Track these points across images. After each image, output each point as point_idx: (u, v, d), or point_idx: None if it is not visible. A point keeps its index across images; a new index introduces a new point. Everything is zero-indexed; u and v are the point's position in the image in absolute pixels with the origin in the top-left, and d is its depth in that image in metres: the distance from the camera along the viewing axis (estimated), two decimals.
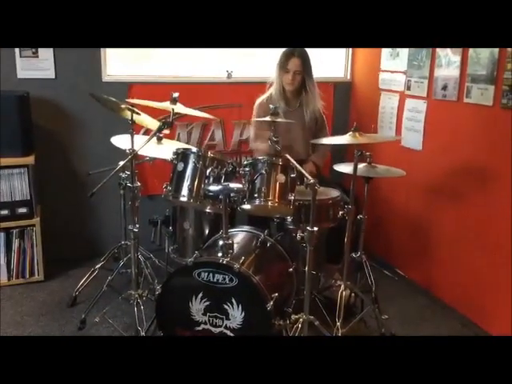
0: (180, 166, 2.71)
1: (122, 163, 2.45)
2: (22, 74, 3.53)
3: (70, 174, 3.80)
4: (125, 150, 2.62)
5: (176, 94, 2.59)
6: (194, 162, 2.68)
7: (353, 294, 3.13)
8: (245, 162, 2.70)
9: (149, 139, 2.51)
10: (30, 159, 3.36)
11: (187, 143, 3.90)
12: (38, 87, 3.56)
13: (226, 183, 2.55)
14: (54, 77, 3.61)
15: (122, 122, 3.70)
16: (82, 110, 3.71)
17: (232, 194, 2.61)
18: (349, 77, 4.34)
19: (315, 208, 2.60)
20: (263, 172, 2.60)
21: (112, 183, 3.53)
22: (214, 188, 2.58)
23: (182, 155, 2.75)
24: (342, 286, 2.81)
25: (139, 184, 2.58)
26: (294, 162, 2.41)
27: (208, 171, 2.66)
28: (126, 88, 3.77)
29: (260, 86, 3.84)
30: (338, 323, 2.71)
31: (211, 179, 2.65)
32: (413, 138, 3.59)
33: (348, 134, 2.70)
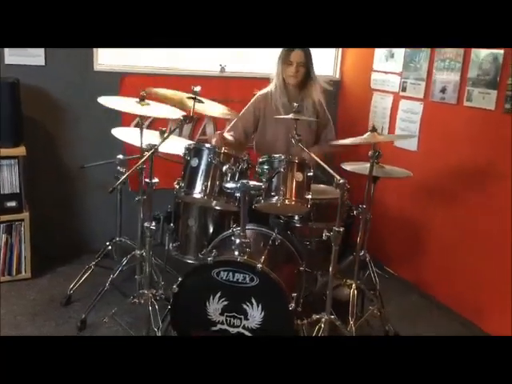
0: (194, 162, 2.64)
1: (143, 159, 2.34)
2: (9, 59, 3.34)
3: (59, 167, 3.64)
4: (141, 145, 2.52)
5: (197, 88, 2.51)
6: (209, 158, 2.61)
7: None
8: (260, 160, 2.66)
9: (169, 134, 2.42)
10: (20, 150, 3.19)
11: (179, 137, 3.81)
12: (27, 74, 3.36)
13: (245, 180, 2.49)
14: (43, 64, 3.43)
15: (114, 113, 3.59)
16: (73, 100, 3.57)
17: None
18: (338, 75, 4.36)
19: (328, 207, 2.63)
20: (281, 170, 2.58)
21: (104, 178, 3.43)
22: (232, 185, 2.53)
23: (195, 151, 2.68)
24: (354, 285, 2.83)
25: (157, 180, 2.48)
26: (321, 162, 2.39)
27: (224, 168, 2.60)
28: (118, 78, 3.64)
29: (253, 81, 3.83)
30: (352, 322, 2.72)
31: (229, 176, 2.60)
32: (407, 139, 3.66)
33: (366, 134, 2.71)
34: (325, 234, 2.35)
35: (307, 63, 3.22)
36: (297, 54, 3.17)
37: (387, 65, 3.84)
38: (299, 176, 2.60)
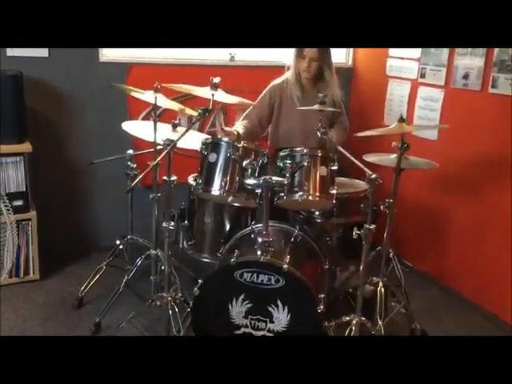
0: (212, 158, 2.50)
1: (162, 155, 2.20)
2: (12, 51, 3.17)
3: (66, 163, 3.49)
4: (157, 140, 2.38)
5: (217, 79, 2.37)
6: (228, 153, 2.47)
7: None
8: (282, 154, 2.53)
9: (188, 129, 2.28)
10: (26, 146, 3.04)
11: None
12: (30, 67, 3.20)
13: (267, 176, 2.35)
14: (47, 55, 3.27)
15: (121, 106, 3.45)
16: (78, 93, 3.42)
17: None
18: (350, 62, 4.21)
19: (348, 201, 2.50)
20: (305, 164, 2.45)
21: (113, 173, 3.30)
22: (253, 181, 2.40)
23: (213, 145, 2.54)
24: (381, 284, 2.70)
25: (175, 177, 2.35)
26: (349, 155, 2.26)
27: (245, 163, 2.46)
28: (124, 69, 3.49)
29: (264, 70, 3.71)
30: (380, 322, 2.60)
31: (249, 172, 2.46)
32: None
33: (395, 125, 2.58)
34: (355, 232, 2.23)
35: (321, 58, 3.07)
36: (310, 50, 3.03)
37: (404, 51, 3.69)
38: (323, 170, 2.47)
